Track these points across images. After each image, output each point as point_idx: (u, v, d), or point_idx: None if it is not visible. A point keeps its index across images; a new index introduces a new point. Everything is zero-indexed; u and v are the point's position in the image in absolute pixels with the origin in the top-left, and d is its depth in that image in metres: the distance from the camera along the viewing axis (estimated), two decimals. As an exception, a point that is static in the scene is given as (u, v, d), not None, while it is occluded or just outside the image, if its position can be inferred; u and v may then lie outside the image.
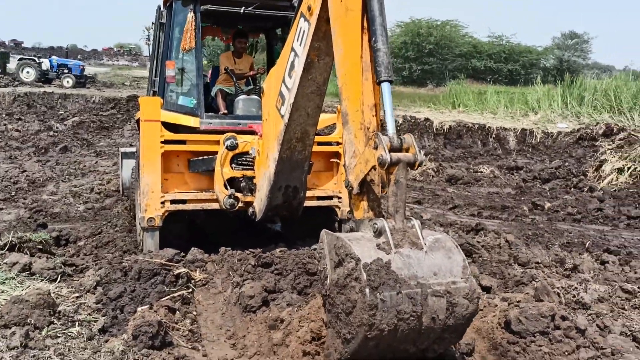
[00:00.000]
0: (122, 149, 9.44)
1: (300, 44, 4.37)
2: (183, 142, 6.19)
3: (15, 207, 8.56)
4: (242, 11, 6.52)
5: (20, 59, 34.81)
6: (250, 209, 5.94)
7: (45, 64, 33.96)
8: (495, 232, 7.45)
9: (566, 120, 19.44)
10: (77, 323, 4.09)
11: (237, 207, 6.07)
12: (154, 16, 7.38)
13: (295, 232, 6.94)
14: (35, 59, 34.59)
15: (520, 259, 6.24)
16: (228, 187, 6.03)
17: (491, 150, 17.33)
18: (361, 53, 3.58)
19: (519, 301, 4.54)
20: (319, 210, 6.61)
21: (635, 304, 4.93)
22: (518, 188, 12.36)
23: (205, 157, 6.21)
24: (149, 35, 8.19)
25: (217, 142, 6.06)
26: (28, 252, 5.49)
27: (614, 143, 13.66)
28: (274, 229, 7.78)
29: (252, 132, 6.17)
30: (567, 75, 24.61)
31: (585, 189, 11.64)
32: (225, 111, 6.91)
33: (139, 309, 4.33)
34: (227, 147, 5.98)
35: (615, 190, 11.41)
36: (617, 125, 15.60)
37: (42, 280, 4.92)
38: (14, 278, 4.85)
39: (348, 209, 3.74)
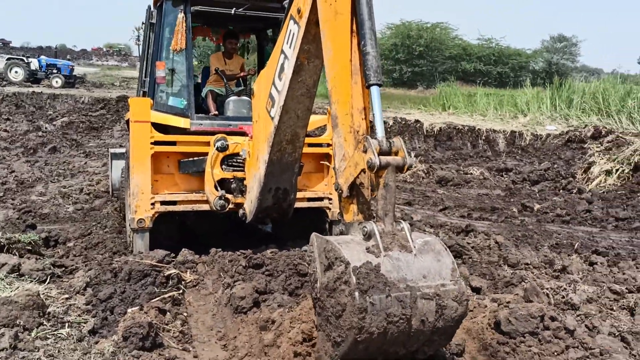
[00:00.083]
0: (111, 150, 9.40)
1: (290, 47, 4.38)
2: (173, 143, 6.17)
3: (4, 207, 8.49)
4: (232, 12, 6.51)
5: (8, 59, 34.54)
6: (241, 211, 5.93)
7: (34, 63, 33.76)
8: (485, 233, 7.48)
9: (555, 122, 19.57)
10: (66, 324, 4.08)
11: (227, 209, 6.06)
12: (144, 16, 7.36)
13: (286, 233, 6.94)
14: (24, 58, 34.36)
15: (510, 260, 6.28)
16: (218, 188, 6.02)
17: (481, 152, 17.41)
18: (350, 56, 3.59)
19: (508, 302, 4.56)
20: (310, 211, 6.62)
21: (623, 305, 4.97)
22: (507, 190, 12.43)
23: (195, 158, 6.20)
24: (138, 36, 8.18)
25: (208, 143, 6.05)
26: (17, 253, 5.46)
27: (602, 145, 13.76)
28: (264, 230, 7.77)
29: (243, 134, 6.17)
30: (555, 78, 24.80)
31: (574, 191, 11.73)
32: (216, 112, 6.89)
33: (129, 310, 4.32)
34: (217, 149, 5.97)
35: (603, 192, 11.50)
36: (605, 128, 15.72)
37: (32, 281, 4.89)
38: (2, 279, 4.82)
39: (338, 210, 3.75)
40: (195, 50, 27.97)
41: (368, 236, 3.13)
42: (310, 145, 6.41)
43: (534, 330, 4.07)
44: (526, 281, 5.35)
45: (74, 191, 9.91)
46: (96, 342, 3.92)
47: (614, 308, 4.93)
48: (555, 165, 14.04)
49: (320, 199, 6.64)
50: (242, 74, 7.50)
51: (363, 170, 3.29)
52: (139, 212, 5.88)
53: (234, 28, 7.60)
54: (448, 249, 3.25)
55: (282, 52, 4.52)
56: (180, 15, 6.28)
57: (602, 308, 4.89)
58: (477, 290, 5.39)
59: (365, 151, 3.22)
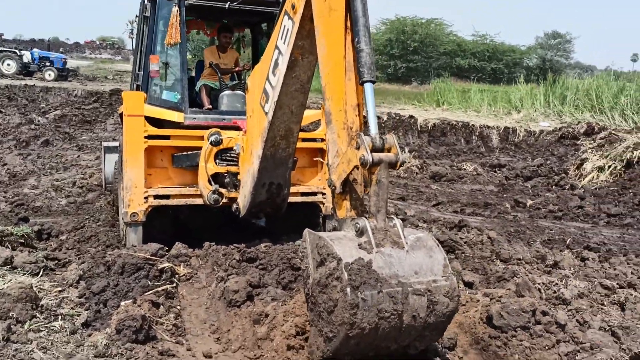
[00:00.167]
0: (104, 143, 9.37)
1: (284, 42, 4.38)
2: (167, 137, 6.16)
3: (-4, 200, 8.46)
4: (227, 6, 6.49)
5: (0, 51, 34.29)
6: (234, 206, 5.93)
7: (27, 56, 33.56)
8: (477, 228, 7.52)
9: (548, 119, 19.66)
10: (59, 317, 4.08)
11: (221, 203, 6.06)
12: (138, 9, 7.33)
13: (279, 228, 6.95)
14: (17, 51, 34.13)
15: (502, 255, 6.31)
16: (212, 182, 6.01)
17: (474, 148, 17.46)
18: (344, 53, 3.61)
19: (500, 296, 4.60)
20: (304, 205, 6.62)
21: (614, 300, 5.01)
22: (501, 185, 12.48)
23: (189, 152, 6.19)
24: (132, 29, 8.12)
25: (202, 138, 6.04)
26: (10, 246, 5.44)
27: (595, 142, 13.82)
28: (258, 224, 7.78)
29: (237, 128, 6.16)
30: (549, 75, 24.90)
31: (567, 187, 11.78)
32: (210, 106, 6.89)
33: (122, 303, 4.33)
34: (211, 143, 5.96)
35: (595, 189, 11.56)
36: (598, 125, 15.82)
37: (24, 274, 4.88)
38: (-5, 272, 4.80)
39: (332, 205, 3.77)
40: (189, 44, 27.87)
41: (360, 232, 3.15)
42: (304, 140, 6.42)
43: (526, 325, 4.11)
44: (518, 276, 5.38)
45: (67, 184, 9.89)
46: (89, 335, 3.93)
47: (605, 303, 4.97)
48: (548, 162, 14.10)
49: (314, 193, 6.65)
50: (237, 69, 7.49)
51: (356, 167, 3.32)
52: (132, 206, 5.87)
53: (228, 22, 7.57)
54: (440, 245, 3.29)
55: (276, 47, 4.52)
56: (175, 9, 6.25)
57: (593, 303, 4.93)
58: (469, 285, 5.42)
59: (358, 148, 3.25)
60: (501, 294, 4.72)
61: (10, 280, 4.51)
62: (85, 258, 5.69)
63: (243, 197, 5.72)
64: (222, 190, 6.02)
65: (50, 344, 3.66)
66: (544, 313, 4.20)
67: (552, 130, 16.84)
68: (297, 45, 4.24)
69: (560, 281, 5.39)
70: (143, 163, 5.92)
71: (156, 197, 6.01)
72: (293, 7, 4.16)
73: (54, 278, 4.98)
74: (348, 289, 2.89)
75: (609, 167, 12.19)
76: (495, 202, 10.41)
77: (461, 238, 6.90)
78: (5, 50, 34.57)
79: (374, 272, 2.95)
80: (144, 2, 7.10)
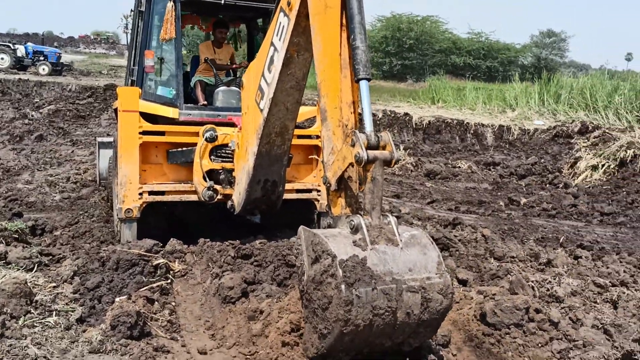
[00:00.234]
0: (99, 139, 9.32)
1: (279, 39, 4.39)
2: (162, 133, 6.14)
3: (-10, 195, 8.42)
4: (222, 1, 6.48)
5: (-6, 45, 34.10)
6: (229, 202, 5.93)
7: (21, 50, 33.34)
8: (472, 226, 7.54)
9: (543, 117, 19.72)
10: (54, 313, 4.07)
11: (216, 199, 6.05)
12: (133, 4, 7.30)
13: (274, 225, 6.95)
14: (10, 45, 33.91)
15: (496, 253, 6.34)
16: (207, 179, 6.01)
17: (469, 145, 17.50)
18: (340, 50, 3.62)
19: (494, 294, 4.62)
20: (298, 203, 6.63)
21: (606, 298, 5.04)
22: (495, 183, 12.52)
23: (184, 148, 6.18)
24: (126, 24, 8.07)
25: (197, 134, 6.02)
26: (4, 241, 5.42)
27: (588, 141, 13.88)
28: (253, 220, 7.78)
29: (232, 124, 6.15)
30: (544, 73, 24.98)
31: (560, 186, 11.84)
32: (205, 102, 6.87)
33: (117, 299, 4.33)
34: (206, 139, 5.95)
35: (589, 187, 11.62)
36: (592, 123, 15.88)
37: (19, 269, 4.86)
38: (-12, 267, 4.79)
39: (327, 202, 3.78)
40: (184, 40, 27.78)
41: (355, 230, 3.17)
42: (300, 137, 6.41)
43: (519, 322, 4.14)
44: (512, 274, 5.41)
45: (61, 180, 9.85)
46: (84, 331, 3.93)
47: (598, 301, 5.00)
48: (542, 160, 14.15)
49: (309, 190, 6.65)
50: (234, 66, 7.47)
51: (351, 164, 3.33)
52: (126, 202, 5.86)
53: (223, 17, 7.56)
54: (434, 243, 3.31)
55: (272, 44, 4.53)
56: (170, 4, 6.23)
57: (585, 301, 4.96)
58: (463, 283, 5.45)
59: (353, 145, 3.26)
60: (495, 291, 4.74)
61: (5, 275, 4.49)
62: (79, 254, 5.68)
63: (238, 194, 5.71)
64: (217, 187, 6.02)
65: (44, 339, 3.66)
66: (537, 311, 4.23)
67: (547, 128, 16.89)
68: (292, 42, 4.25)
69: (554, 279, 5.42)
70: (138, 159, 5.91)
71: (151, 193, 6.00)
72: (289, 4, 4.16)
73: (48, 274, 4.97)
74: (342, 286, 2.91)
75: (603, 165, 12.26)
76: (490, 200, 10.44)
77: (455, 236, 6.93)
78: (-1, 44, 34.38)
79: (368, 269, 2.96)
80: (139, -4, 7.06)
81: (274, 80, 4.52)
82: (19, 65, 32.43)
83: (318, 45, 3.72)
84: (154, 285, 4.75)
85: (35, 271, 4.96)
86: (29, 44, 35.77)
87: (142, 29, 6.80)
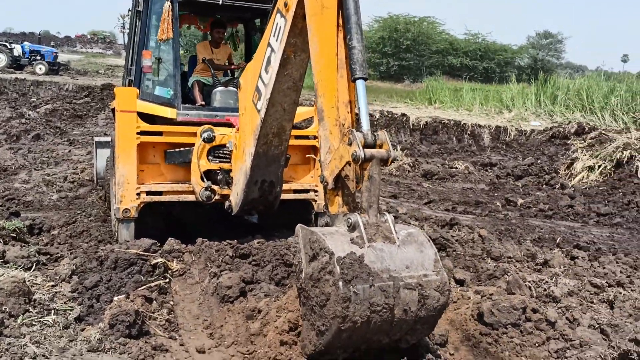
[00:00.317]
0: (96, 138, 9.34)
1: (276, 40, 4.41)
2: (159, 133, 6.14)
3: (-13, 195, 8.41)
4: (220, 2, 6.48)
5: (-10, 45, 33.98)
6: (227, 203, 5.93)
7: (17, 49, 33.22)
8: (469, 227, 7.56)
9: (539, 118, 19.77)
10: (52, 311, 4.07)
11: (213, 200, 6.06)
12: (130, 3, 7.29)
13: (272, 225, 6.96)
14: (7, 44, 33.78)
15: (493, 253, 6.35)
16: (205, 179, 6.01)
17: (466, 146, 17.54)
18: (336, 50, 3.65)
19: (491, 294, 4.63)
20: (296, 203, 6.64)
21: (603, 298, 5.06)
22: (492, 184, 12.55)
23: (181, 149, 6.18)
24: (124, 23, 8.08)
25: (194, 134, 6.03)
26: (1, 240, 5.41)
27: (585, 142, 13.92)
28: (250, 220, 7.79)
29: (230, 125, 6.16)
30: (541, 74, 25.05)
31: (557, 186, 11.87)
32: (202, 102, 6.87)
33: (115, 298, 4.33)
34: (204, 140, 5.95)
35: (585, 188, 11.65)
36: (589, 125, 15.93)
37: (17, 268, 4.85)
38: (-13, 266, 4.78)
39: (324, 202, 3.80)
40: (181, 39, 27.74)
41: (352, 227, 3.19)
42: (297, 137, 6.42)
43: (516, 322, 4.15)
44: (509, 274, 5.42)
45: (58, 179, 9.84)
46: (82, 330, 3.93)
47: (594, 301, 5.02)
48: (539, 161, 14.19)
49: (306, 190, 6.67)
50: (232, 67, 7.48)
51: (348, 163, 3.35)
52: (124, 202, 5.87)
53: (221, 17, 7.56)
54: (431, 241, 3.33)
55: (269, 45, 4.54)
56: (167, 4, 6.22)
57: (582, 301, 4.98)
58: (460, 283, 5.46)
59: (350, 144, 3.29)
60: (492, 291, 4.75)
61: (3, 274, 4.48)
62: (77, 253, 5.68)
63: (235, 195, 5.72)
64: (215, 187, 6.03)
65: (43, 338, 3.66)
66: (535, 310, 4.25)
67: (543, 129, 16.94)
68: (289, 42, 4.27)
69: (551, 279, 5.43)
70: (135, 159, 5.92)
71: (148, 193, 6.00)
72: (285, 5, 4.18)
73: (47, 273, 4.96)
74: (340, 283, 2.92)
75: (599, 166, 12.30)
76: (487, 201, 10.47)
77: (452, 236, 6.94)
78: (-4, 44, 34.25)
79: (365, 266, 2.98)
80: (136, -4, 7.05)
81: (271, 81, 4.54)
82: (15, 64, 32.33)
83: (315, 45, 3.74)
84: (152, 284, 4.75)
85: (34, 270, 4.95)
86: (25, 43, 35.64)
87: (139, 28, 6.80)
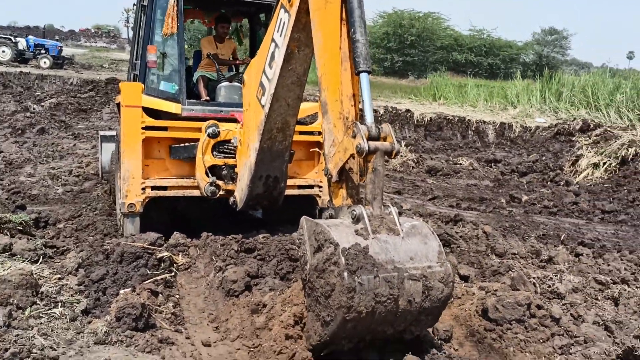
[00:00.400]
0: (101, 133, 9.35)
1: (280, 35, 4.41)
2: (164, 128, 6.15)
3: (-7, 188, 8.45)
4: None
5: (-5, 38, 34.06)
6: (232, 199, 5.94)
7: (22, 43, 33.32)
8: (473, 223, 7.56)
9: (544, 115, 19.72)
10: (59, 304, 4.10)
11: (218, 195, 6.06)
12: (135, -2, 7.29)
13: (276, 220, 6.97)
14: (11, 38, 33.87)
15: (497, 249, 6.36)
16: (209, 174, 6.02)
17: (470, 143, 17.51)
18: (340, 44, 3.65)
19: (495, 290, 4.64)
20: (300, 198, 6.64)
21: (607, 295, 5.06)
22: (496, 181, 12.54)
23: (186, 144, 6.19)
24: (127, 17, 8.11)
25: (199, 129, 6.04)
26: (8, 233, 5.44)
27: (590, 139, 13.89)
28: (255, 216, 7.80)
29: (234, 120, 6.16)
30: (546, 71, 24.96)
31: (562, 183, 11.85)
32: (207, 98, 6.87)
33: (121, 291, 4.36)
34: (208, 135, 5.96)
35: (590, 185, 11.63)
36: (594, 121, 15.88)
37: (24, 261, 4.89)
38: (-5, 258, 4.81)
39: (328, 198, 3.81)
40: (186, 34, 27.76)
41: (357, 219, 3.20)
42: (301, 133, 6.42)
43: (521, 318, 4.16)
44: (513, 270, 5.43)
45: (63, 173, 9.88)
46: (89, 322, 3.96)
47: (599, 298, 5.02)
48: (544, 158, 14.17)
49: (311, 186, 6.67)
50: (237, 62, 7.47)
51: (352, 156, 3.37)
52: (129, 197, 5.89)
53: (226, 12, 7.56)
54: (435, 233, 3.34)
55: (273, 40, 4.55)
56: None
57: (587, 298, 4.98)
58: (465, 279, 5.46)
59: (354, 136, 3.30)
60: (496, 287, 4.76)
61: (10, 267, 4.52)
62: (83, 246, 5.71)
63: (240, 190, 5.73)
64: (220, 183, 6.03)
65: (50, 330, 3.69)
66: (539, 307, 4.26)
67: (548, 126, 16.90)
68: (293, 37, 4.27)
69: (555, 276, 5.44)
70: (140, 154, 5.92)
71: (153, 188, 6.02)
72: (289, 0, 4.18)
73: (53, 266, 4.99)
74: (345, 273, 2.94)
75: (604, 164, 12.27)
76: (491, 197, 10.47)
77: (457, 232, 6.94)
78: (0, 37, 34.30)
79: (370, 257, 3.00)
80: (141, -10, 7.05)
81: (275, 76, 4.55)
82: (20, 58, 32.45)
83: (318, 40, 3.75)
84: (158, 278, 4.78)
85: (40, 263, 4.98)
86: (30, 37, 35.76)
87: (144, 23, 6.79)
